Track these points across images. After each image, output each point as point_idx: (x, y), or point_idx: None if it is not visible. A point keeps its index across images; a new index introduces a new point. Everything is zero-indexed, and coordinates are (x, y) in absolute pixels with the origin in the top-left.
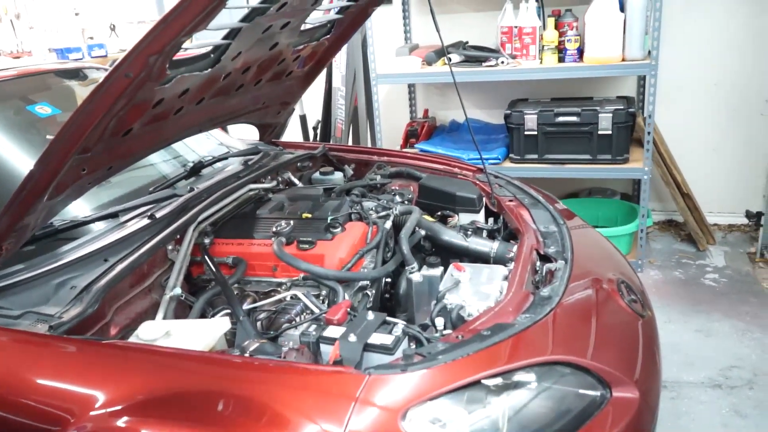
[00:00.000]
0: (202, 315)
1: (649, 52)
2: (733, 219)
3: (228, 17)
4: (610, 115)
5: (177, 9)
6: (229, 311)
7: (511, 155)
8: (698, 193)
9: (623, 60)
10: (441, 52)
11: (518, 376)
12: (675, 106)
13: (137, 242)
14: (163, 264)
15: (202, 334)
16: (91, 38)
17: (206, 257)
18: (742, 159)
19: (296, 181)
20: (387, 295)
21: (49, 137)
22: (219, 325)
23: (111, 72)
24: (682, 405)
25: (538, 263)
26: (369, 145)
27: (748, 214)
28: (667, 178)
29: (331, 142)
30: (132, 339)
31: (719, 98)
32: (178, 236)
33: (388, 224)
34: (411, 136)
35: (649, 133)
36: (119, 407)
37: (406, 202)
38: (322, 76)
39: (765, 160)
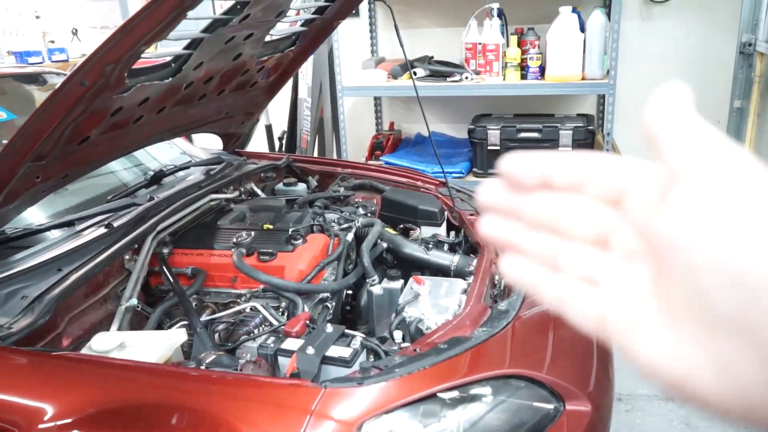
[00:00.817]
0: (159, 326)
1: (608, 71)
2: None
3: (194, 25)
4: (571, 132)
5: (136, 18)
6: (186, 322)
7: (474, 169)
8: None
9: (583, 78)
10: (406, 66)
11: (474, 390)
12: (633, 124)
13: (93, 251)
14: (120, 274)
15: (158, 345)
16: (53, 42)
17: (164, 267)
18: None
19: (259, 191)
20: (348, 308)
21: (4, 142)
22: (175, 336)
23: (67, 79)
24: (636, 417)
25: (497, 277)
26: (335, 156)
27: None
28: None
29: (296, 153)
30: (84, 350)
31: None
32: (136, 246)
33: (350, 236)
34: (376, 148)
35: (608, 150)
36: (69, 420)
37: (369, 215)
38: (287, 87)
39: None
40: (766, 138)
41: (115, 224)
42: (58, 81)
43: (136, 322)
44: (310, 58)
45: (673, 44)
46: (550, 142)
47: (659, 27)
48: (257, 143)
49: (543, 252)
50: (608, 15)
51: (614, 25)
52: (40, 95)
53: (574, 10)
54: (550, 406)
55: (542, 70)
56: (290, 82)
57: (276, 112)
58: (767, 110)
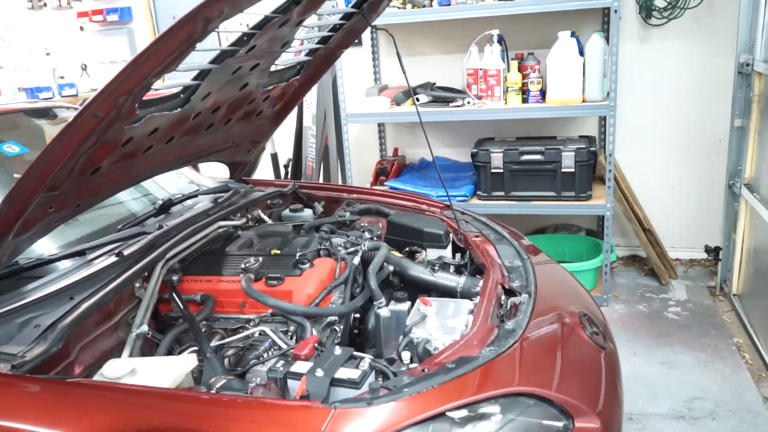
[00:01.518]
0: (169, 352)
1: (608, 93)
2: (693, 254)
3: (200, 57)
4: (573, 153)
5: (147, 51)
6: (196, 348)
7: (478, 192)
8: (659, 229)
9: (584, 101)
10: (409, 93)
11: (483, 408)
12: (635, 145)
13: (104, 280)
14: (130, 302)
15: (168, 371)
16: (62, 78)
17: (174, 294)
18: (700, 196)
19: (266, 218)
20: (356, 330)
21: (17, 176)
22: (185, 362)
23: (80, 111)
24: None
25: (503, 297)
26: (339, 182)
27: (707, 249)
28: (629, 215)
29: (301, 180)
30: (96, 377)
31: (676, 138)
32: (146, 273)
33: (357, 260)
34: (381, 173)
35: (610, 171)
36: None
37: (375, 239)
38: (293, 115)
39: (721, 197)
40: (767, 155)
41: (126, 252)
42: (68, 115)
43: (147, 348)
44: (315, 87)
45: (672, 66)
46: (553, 163)
47: (658, 49)
48: (263, 171)
49: None
50: (607, 38)
51: (613, 48)
52: (50, 129)
53: (572, 35)
54: (560, 424)
55: (543, 93)
56: (295, 111)
57: (281, 141)
58: (767, 128)
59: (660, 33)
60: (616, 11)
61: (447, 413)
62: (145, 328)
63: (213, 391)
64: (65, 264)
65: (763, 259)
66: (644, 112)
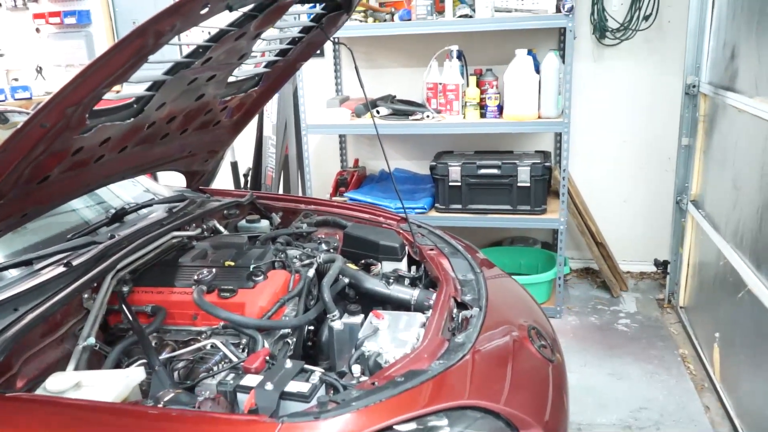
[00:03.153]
0: (117, 365)
1: (563, 110)
2: (643, 267)
3: (156, 67)
4: (528, 168)
5: (96, 63)
6: (145, 361)
7: (436, 205)
8: (611, 242)
9: (539, 117)
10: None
11: (431, 422)
12: (588, 161)
13: (51, 291)
14: (78, 313)
15: (114, 384)
16: (16, 80)
17: (123, 305)
18: (650, 210)
19: (222, 228)
20: (310, 343)
21: None
22: (132, 375)
23: (27, 121)
24: None
25: (455, 310)
26: (300, 193)
27: (656, 263)
28: (582, 228)
29: (261, 190)
30: (39, 391)
31: (628, 154)
32: (95, 284)
33: (311, 272)
34: (341, 184)
35: (564, 185)
36: None
37: (331, 251)
38: (253, 125)
39: (670, 212)
40: (711, 173)
41: (75, 263)
42: (20, 119)
43: (95, 361)
44: (275, 97)
45: (625, 85)
46: (509, 177)
47: (611, 68)
48: (223, 180)
49: None
50: (562, 57)
51: (567, 67)
52: (2, 133)
53: (529, 53)
54: None
55: (500, 109)
56: (255, 120)
57: (242, 150)
58: (712, 147)
59: (613, 53)
60: (571, 31)
61: (395, 426)
62: (92, 340)
63: (160, 405)
64: (11, 273)
65: (707, 273)
66: (598, 129)
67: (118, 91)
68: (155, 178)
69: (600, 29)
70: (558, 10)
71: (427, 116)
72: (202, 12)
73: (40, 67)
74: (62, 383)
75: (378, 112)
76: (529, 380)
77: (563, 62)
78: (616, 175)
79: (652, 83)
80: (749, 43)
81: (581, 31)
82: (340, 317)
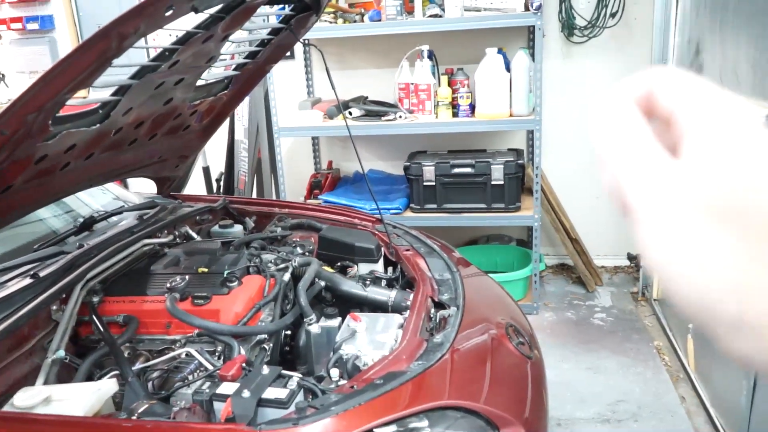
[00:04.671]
0: (89, 378)
1: (534, 108)
2: (617, 261)
3: (126, 70)
4: (502, 166)
5: (57, 68)
6: (117, 372)
7: (411, 205)
8: (585, 238)
9: (511, 115)
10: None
11: (412, 423)
12: (561, 158)
13: (17, 303)
14: (47, 325)
15: (86, 398)
16: None
17: (93, 316)
18: None
19: (194, 234)
20: (287, 348)
21: None
22: (104, 387)
23: None
24: None
25: (433, 310)
26: (273, 196)
27: (630, 257)
28: (557, 225)
29: (234, 195)
30: (6, 408)
31: None
32: (64, 295)
33: (287, 276)
34: (315, 187)
35: (537, 182)
36: None
37: (306, 254)
38: (224, 128)
39: None
40: None
41: (42, 274)
42: None
43: (65, 375)
44: (246, 100)
45: (594, 81)
46: (483, 176)
47: (580, 65)
48: (195, 185)
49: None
50: (532, 55)
51: (537, 65)
52: None
53: (499, 51)
54: None
55: (472, 108)
56: (226, 124)
57: (213, 154)
58: None
59: (582, 50)
60: (540, 29)
61: (375, 430)
62: (61, 353)
63: (134, 417)
64: None
65: None
66: (569, 126)
67: (85, 97)
68: (125, 185)
69: (568, 27)
70: (527, 9)
71: (400, 116)
72: (167, 14)
73: (3, 74)
74: (31, 398)
75: (350, 113)
76: (508, 378)
77: (533, 60)
78: (588, 171)
79: (618, 79)
80: (713, 38)
81: (550, 29)
82: (317, 321)
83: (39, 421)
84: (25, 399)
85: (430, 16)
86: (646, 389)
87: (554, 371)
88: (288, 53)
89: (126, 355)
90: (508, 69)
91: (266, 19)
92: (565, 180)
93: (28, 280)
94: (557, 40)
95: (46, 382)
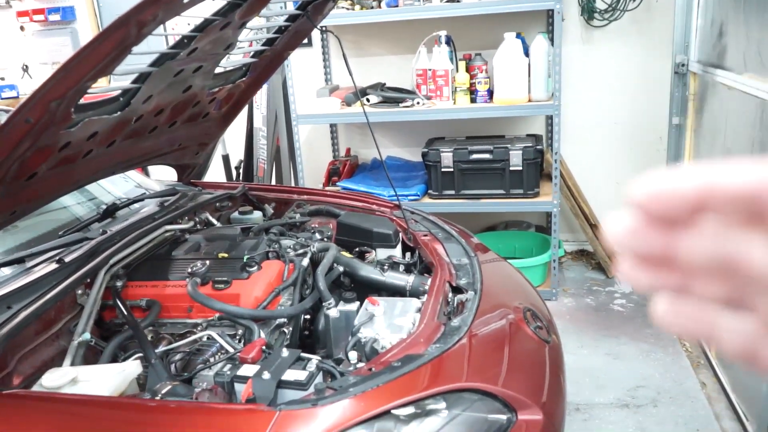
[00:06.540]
0: (113, 360)
1: (553, 93)
2: None
3: (146, 58)
4: (520, 152)
5: (78, 56)
6: (141, 355)
7: (429, 191)
8: (605, 224)
9: (530, 100)
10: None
11: (429, 405)
12: (580, 143)
13: (44, 287)
14: (72, 309)
15: (111, 378)
16: (2, 79)
17: (117, 300)
18: None
19: (214, 221)
20: (307, 332)
21: None
22: (129, 368)
23: (10, 117)
24: (593, 425)
25: (450, 295)
26: (292, 184)
27: None
28: (576, 210)
29: (253, 182)
30: (35, 388)
31: (619, 135)
32: (89, 280)
33: (305, 261)
34: (333, 174)
35: (556, 168)
36: None
37: (325, 240)
38: (243, 116)
39: None
40: (703, 152)
41: (67, 259)
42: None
43: (91, 357)
44: (264, 87)
45: (614, 66)
46: (501, 162)
47: (600, 50)
48: (215, 173)
49: (721, 293)
50: (551, 40)
51: (557, 49)
52: None
53: (518, 36)
54: (503, 417)
55: (491, 93)
56: (245, 112)
57: (233, 142)
58: (702, 126)
59: (602, 34)
60: (559, 13)
61: (392, 411)
62: (87, 335)
63: (158, 398)
64: (3, 272)
65: None
66: (588, 111)
67: (108, 84)
68: (146, 173)
69: (588, 10)
70: None
71: (418, 103)
72: (185, 1)
73: (26, 66)
74: (59, 379)
75: (368, 100)
76: (525, 361)
77: (552, 45)
78: (608, 156)
79: (641, 63)
80: (737, 20)
81: (569, 12)
82: (336, 305)
83: (67, 401)
84: (52, 380)
85: (448, 1)
86: (665, 375)
87: (573, 357)
88: (305, 40)
89: (149, 338)
90: (526, 54)
91: (283, 5)
92: (585, 165)
93: (54, 265)
94: (577, 24)
95: (72, 364)
